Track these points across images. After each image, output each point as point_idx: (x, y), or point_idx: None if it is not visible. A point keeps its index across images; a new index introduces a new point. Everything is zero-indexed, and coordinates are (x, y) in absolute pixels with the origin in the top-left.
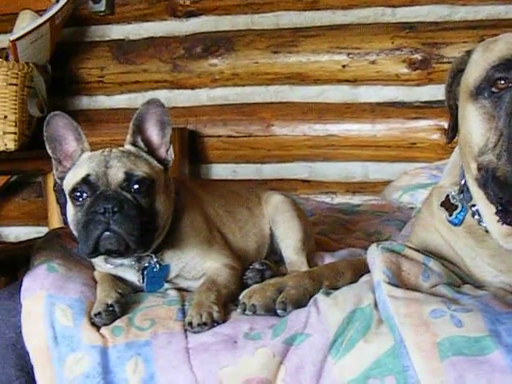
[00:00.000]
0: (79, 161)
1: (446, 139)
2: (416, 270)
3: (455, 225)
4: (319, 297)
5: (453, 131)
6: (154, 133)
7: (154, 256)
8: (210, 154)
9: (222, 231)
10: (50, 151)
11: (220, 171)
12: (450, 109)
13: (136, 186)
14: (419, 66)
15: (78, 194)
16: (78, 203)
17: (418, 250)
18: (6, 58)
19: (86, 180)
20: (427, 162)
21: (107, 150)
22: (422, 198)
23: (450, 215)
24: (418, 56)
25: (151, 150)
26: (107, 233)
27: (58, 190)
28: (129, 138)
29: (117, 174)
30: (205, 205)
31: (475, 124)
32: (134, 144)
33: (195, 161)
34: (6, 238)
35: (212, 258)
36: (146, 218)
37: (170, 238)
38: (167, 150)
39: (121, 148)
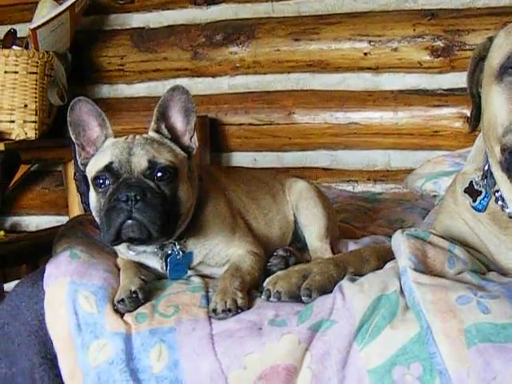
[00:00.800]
0: (103, 147)
1: (469, 128)
2: (441, 257)
3: (479, 211)
4: (345, 283)
5: (475, 120)
6: (178, 120)
7: (176, 243)
8: (231, 142)
9: (245, 218)
10: (73, 137)
11: (241, 159)
12: (473, 97)
13: (159, 174)
14: (441, 54)
15: (101, 181)
16: (101, 190)
17: (443, 237)
18: (26, 47)
19: (108, 167)
20: (450, 150)
21: (131, 136)
22: (445, 186)
23: (474, 201)
24: (440, 43)
25: (175, 138)
26: (129, 221)
27: (79, 179)
28: (153, 125)
29: (140, 161)
30: (228, 191)
31: (500, 104)
32: (157, 131)
33: (216, 149)
34: (27, 228)
35: (235, 245)
36: (169, 206)
37: (194, 224)
38: (191, 138)
39: (144, 135)
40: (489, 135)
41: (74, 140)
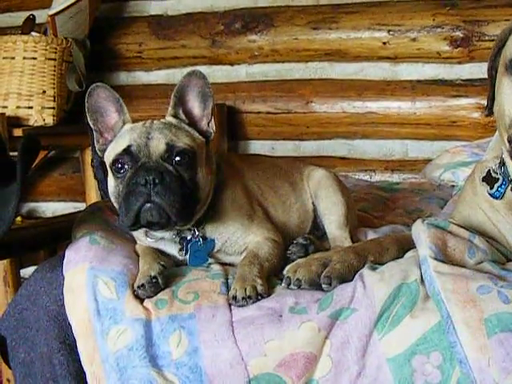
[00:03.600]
0: (120, 133)
1: (485, 110)
2: (462, 247)
3: (496, 198)
4: (365, 271)
5: (491, 100)
6: (195, 105)
7: (196, 229)
8: (249, 131)
9: (263, 205)
10: (91, 123)
11: (259, 148)
12: (490, 78)
13: (177, 158)
14: (460, 44)
15: (120, 165)
16: (120, 175)
17: (463, 227)
18: (45, 33)
19: (127, 151)
20: (467, 141)
21: (149, 121)
22: (463, 176)
23: (491, 188)
24: (459, 33)
25: (193, 122)
26: (148, 204)
27: (96, 166)
28: (170, 110)
29: (158, 145)
30: (246, 179)
31: (508, 95)
32: (175, 116)
33: (234, 137)
34: (43, 214)
35: (253, 232)
36: (187, 190)
37: (211, 211)
38: (209, 123)
39: (162, 120)
40: (499, 124)
41: (91, 126)
